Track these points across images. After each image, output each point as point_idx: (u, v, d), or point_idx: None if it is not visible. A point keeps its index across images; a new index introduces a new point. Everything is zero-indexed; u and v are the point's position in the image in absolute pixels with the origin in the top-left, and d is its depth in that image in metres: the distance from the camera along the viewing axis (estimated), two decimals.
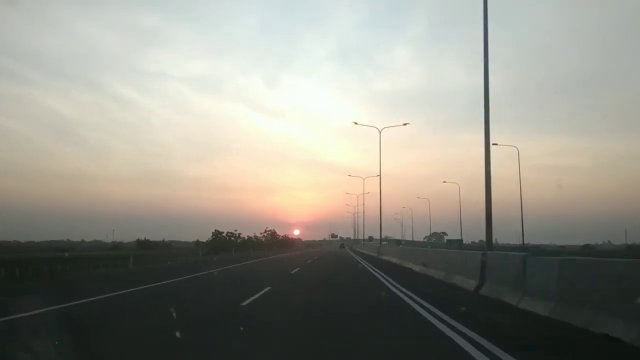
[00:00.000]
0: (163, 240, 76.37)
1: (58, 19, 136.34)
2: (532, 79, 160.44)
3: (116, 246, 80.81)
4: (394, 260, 28.14)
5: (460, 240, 78.27)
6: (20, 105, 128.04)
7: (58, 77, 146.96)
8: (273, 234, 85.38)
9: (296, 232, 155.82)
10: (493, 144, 50.12)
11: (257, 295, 10.65)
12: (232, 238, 66.06)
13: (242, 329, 6.66)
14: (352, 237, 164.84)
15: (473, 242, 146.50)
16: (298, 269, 22.65)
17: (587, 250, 69.15)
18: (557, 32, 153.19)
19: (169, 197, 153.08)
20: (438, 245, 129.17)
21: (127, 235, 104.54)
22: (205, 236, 66.66)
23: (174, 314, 7.64)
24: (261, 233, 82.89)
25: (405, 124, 50.34)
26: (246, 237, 73.62)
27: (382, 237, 55.88)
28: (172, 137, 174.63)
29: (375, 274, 18.86)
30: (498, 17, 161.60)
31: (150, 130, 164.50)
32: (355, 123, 49.18)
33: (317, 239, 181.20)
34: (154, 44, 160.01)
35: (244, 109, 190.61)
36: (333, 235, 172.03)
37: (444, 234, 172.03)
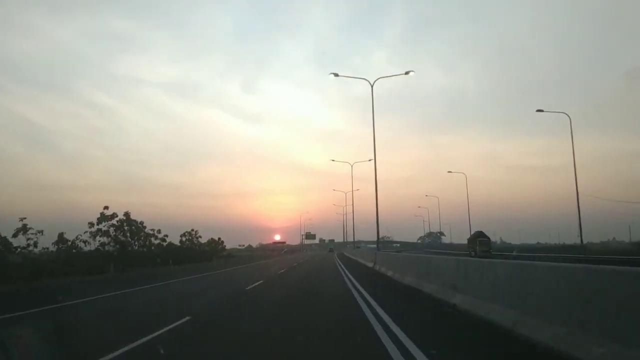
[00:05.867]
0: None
1: (30, 25, 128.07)
2: (511, 78, 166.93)
3: None
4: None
5: None
6: None
7: (30, 84, 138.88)
8: (121, 227, 31.08)
9: (277, 237, 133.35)
10: (538, 110, 42.44)
11: None
12: None
13: None
14: (335, 240, 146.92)
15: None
16: None
17: None
18: (535, 31, 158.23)
19: (146, 204, 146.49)
20: (436, 247, 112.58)
21: None
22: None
23: None
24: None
25: (407, 72, 34.71)
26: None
27: (375, 239, 39.52)
28: (149, 144, 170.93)
29: None
30: (478, 17, 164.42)
31: (126, 137, 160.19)
32: (336, 75, 34.34)
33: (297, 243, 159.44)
34: (129, 49, 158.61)
35: (221, 113, 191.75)
36: (308, 236, 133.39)
37: (441, 234, 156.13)
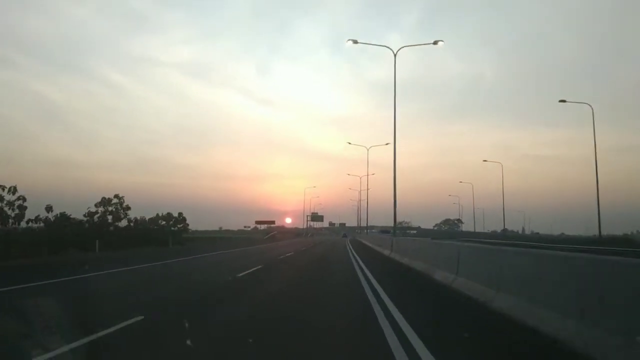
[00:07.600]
0: None
1: (46, 2, 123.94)
2: (526, 67, 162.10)
3: None
4: None
5: None
6: (7, 90, 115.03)
7: (46, 62, 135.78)
8: None
9: (288, 220, 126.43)
10: (560, 101, 43.75)
11: None
12: None
13: None
14: (346, 224, 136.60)
15: (494, 231, 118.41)
16: None
17: None
18: (550, 20, 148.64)
19: (159, 184, 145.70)
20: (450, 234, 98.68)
21: None
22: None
23: None
24: None
25: (436, 42, 30.99)
26: None
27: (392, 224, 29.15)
28: (163, 124, 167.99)
29: None
30: (496, 3, 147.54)
31: (140, 117, 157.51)
32: (355, 42, 31.73)
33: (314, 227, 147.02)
34: (145, 28, 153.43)
35: (235, 95, 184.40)
36: (314, 217, 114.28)
37: (459, 221, 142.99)
